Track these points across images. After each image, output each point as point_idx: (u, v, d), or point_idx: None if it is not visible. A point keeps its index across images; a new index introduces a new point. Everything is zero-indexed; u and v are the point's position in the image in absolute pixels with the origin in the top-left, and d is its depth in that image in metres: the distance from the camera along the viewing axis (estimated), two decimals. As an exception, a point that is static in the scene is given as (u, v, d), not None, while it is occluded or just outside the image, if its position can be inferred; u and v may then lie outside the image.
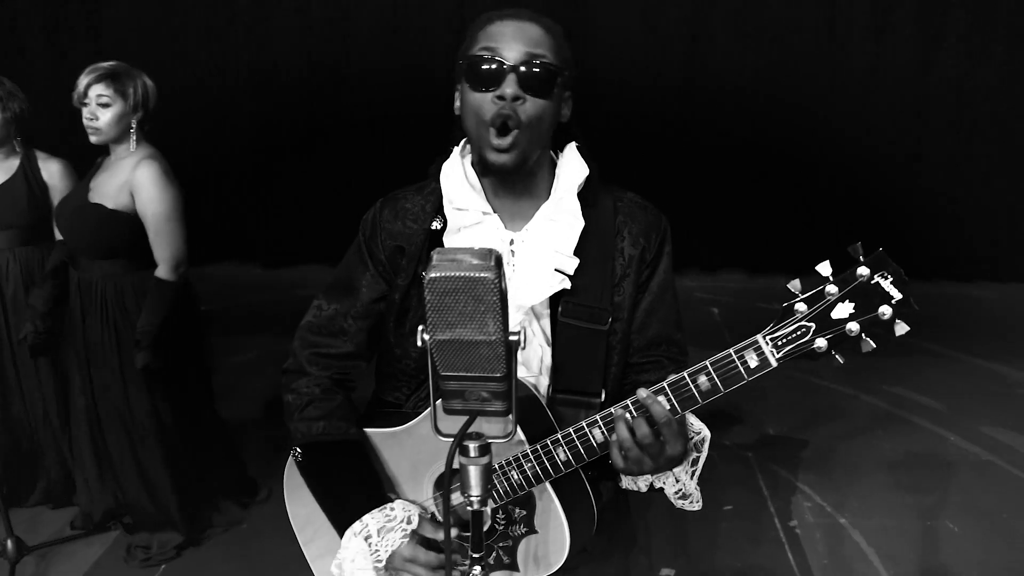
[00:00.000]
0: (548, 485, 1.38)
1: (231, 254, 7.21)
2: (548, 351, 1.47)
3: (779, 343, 1.22)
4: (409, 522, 1.42)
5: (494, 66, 1.35)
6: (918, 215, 6.65)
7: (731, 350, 1.24)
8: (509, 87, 1.35)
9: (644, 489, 1.41)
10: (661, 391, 1.28)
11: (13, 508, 3.45)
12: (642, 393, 1.28)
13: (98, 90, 2.90)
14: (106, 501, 3.39)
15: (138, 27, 6.70)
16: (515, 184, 1.46)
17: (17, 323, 3.32)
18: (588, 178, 1.48)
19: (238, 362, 5.15)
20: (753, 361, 1.23)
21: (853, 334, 1.18)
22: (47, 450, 3.53)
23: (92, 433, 3.26)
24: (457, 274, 0.98)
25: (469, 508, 1.14)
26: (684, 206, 6.34)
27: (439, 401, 1.11)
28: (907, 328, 1.17)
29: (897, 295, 1.16)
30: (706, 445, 1.38)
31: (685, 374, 1.27)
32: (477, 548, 1.16)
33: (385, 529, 1.41)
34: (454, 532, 1.44)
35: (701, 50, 6.59)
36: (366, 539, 1.41)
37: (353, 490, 1.47)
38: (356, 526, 1.42)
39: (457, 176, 1.47)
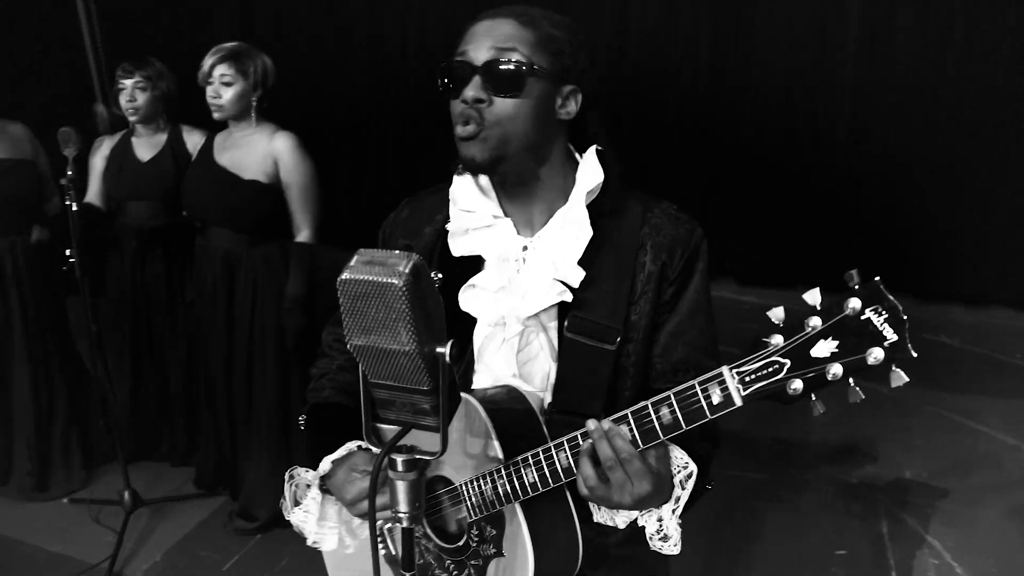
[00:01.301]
0: (518, 507, 1.30)
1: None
2: (555, 367, 1.38)
3: (746, 379, 1.07)
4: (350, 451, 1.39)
5: (461, 70, 1.30)
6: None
7: (695, 381, 1.11)
8: (470, 90, 1.29)
9: (622, 526, 1.29)
10: (624, 419, 1.17)
11: (140, 462, 3.74)
12: (604, 424, 1.17)
13: (221, 70, 3.06)
14: (220, 467, 3.59)
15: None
16: (518, 187, 1.39)
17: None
18: (606, 185, 1.38)
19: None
20: (716, 396, 1.09)
21: (835, 378, 1.01)
22: (173, 412, 3.78)
23: (214, 400, 3.45)
24: (365, 278, 0.93)
25: (398, 525, 1.08)
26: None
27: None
28: (905, 379, 0.99)
29: (892, 336, 0.98)
30: (691, 481, 1.24)
31: (649, 403, 1.15)
32: (408, 567, 1.11)
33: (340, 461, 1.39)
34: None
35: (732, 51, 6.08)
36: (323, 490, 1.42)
37: (334, 440, 1.44)
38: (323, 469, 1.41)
39: (467, 178, 1.42)
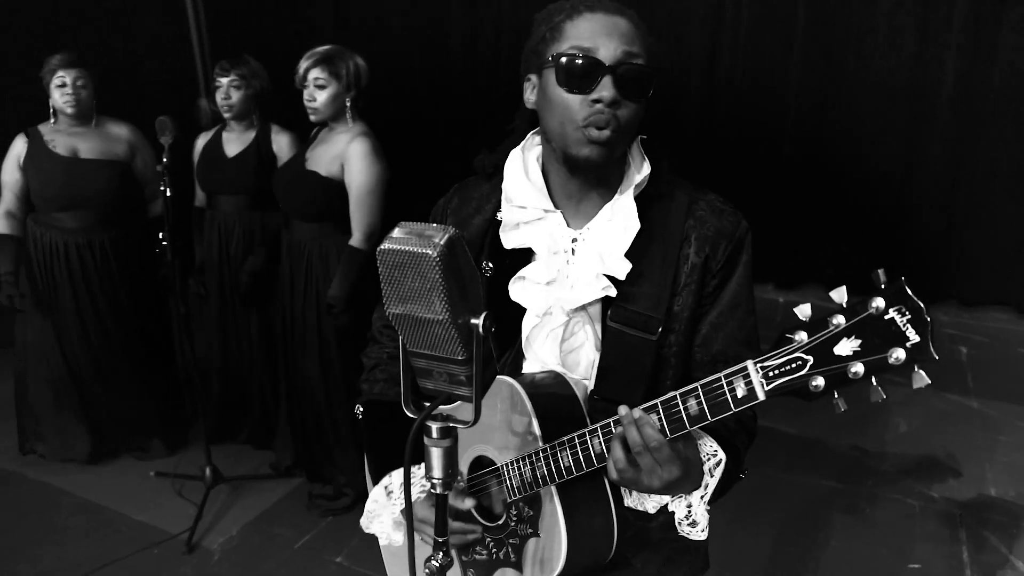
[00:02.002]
0: (554, 490, 1.32)
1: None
2: (598, 355, 1.41)
3: (770, 373, 1.07)
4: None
5: (589, 66, 1.28)
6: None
7: (722, 374, 1.12)
8: (606, 90, 1.27)
9: (652, 511, 1.30)
10: (654, 408, 1.19)
11: (224, 443, 3.91)
12: (635, 412, 1.19)
13: (315, 73, 3.16)
14: (296, 450, 3.72)
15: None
16: (584, 181, 1.40)
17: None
18: (654, 176, 1.39)
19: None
20: (740, 390, 1.10)
21: (857, 376, 1.00)
22: (253, 397, 3.93)
23: (289, 387, 3.59)
24: (402, 248, 0.97)
25: (432, 491, 1.12)
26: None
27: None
28: (927, 381, 0.97)
29: (914, 337, 0.97)
30: (719, 469, 1.25)
31: (677, 394, 1.17)
32: (441, 532, 1.15)
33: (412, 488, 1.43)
34: (469, 503, 1.44)
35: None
36: (388, 492, 1.45)
37: (393, 448, 1.50)
38: (384, 479, 1.47)
39: (517, 172, 1.44)
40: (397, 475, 1.47)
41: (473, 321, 1.02)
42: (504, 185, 1.45)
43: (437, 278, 0.97)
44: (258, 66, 3.65)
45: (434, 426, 1.10)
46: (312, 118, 3.26)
